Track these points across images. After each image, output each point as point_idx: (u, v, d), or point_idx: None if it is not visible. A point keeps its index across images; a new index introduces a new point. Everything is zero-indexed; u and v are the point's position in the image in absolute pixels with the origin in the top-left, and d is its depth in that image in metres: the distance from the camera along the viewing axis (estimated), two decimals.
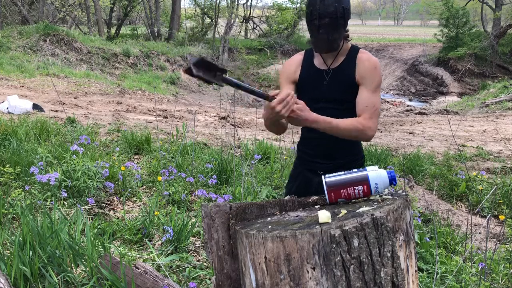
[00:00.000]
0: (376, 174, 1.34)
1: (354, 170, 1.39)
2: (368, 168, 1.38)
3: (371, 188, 1.34)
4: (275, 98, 1.57)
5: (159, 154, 4.81)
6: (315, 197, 1.50)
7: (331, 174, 1.40)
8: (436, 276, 2.60)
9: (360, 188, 1.34)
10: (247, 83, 1.49)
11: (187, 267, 2.75)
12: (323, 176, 1.40)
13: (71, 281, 2.42)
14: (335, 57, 1.94)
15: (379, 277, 1.15)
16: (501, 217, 3.26)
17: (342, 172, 1.40)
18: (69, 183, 3.57)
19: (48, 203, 3.38)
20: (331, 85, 1.93)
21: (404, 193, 1.37)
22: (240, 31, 27.52)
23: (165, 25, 24.76)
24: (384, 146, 6.17)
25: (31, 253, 2.42)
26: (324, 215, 1.19)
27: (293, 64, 2.04)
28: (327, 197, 1.37)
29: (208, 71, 1.37)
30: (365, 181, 1.34)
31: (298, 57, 2.06)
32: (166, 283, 2.25)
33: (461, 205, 4.48)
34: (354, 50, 1.95)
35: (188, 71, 1.32)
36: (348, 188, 1.35)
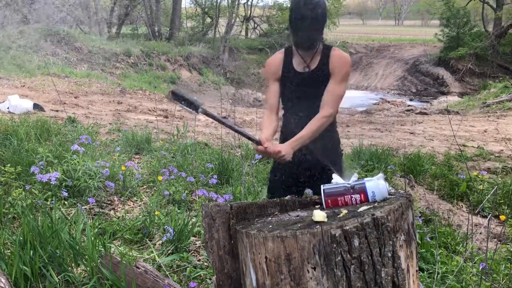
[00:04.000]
0: (373, 183, 1.37)
1: (353, 180, 1.42)
2: (365, 179, 1.41)
3: (368, 196, 1.35)
4: (260, 143, 2.01)
5: (159, 153, 4.81)
6: (315, 197, 1.50)
7: (329, 184, 1.42)
8: (436, 276, 2.60)
9: (357, 196, 1.36)
10: (231, 122, 1.77)
11: (188, 267, 2.75)
12: (322, 186, 1.42)
13: (71, 281, 2.42)
14: (313, 56, 2.18)
15: (380, 277, 1.15)
16: (502, 217, 3.26)
17: (342, 182, 1.43)
18: (70, 183, 3.57)
19: (48, 203, 3.38)
20: (311, 84, 2.17)
21: (406, 193, 1.37)
22: (240, 31, 27.50)
23: (166, 24, 24.76)
24: (385, 146, 6.16)
25: (31, 252, 2.42)
26: (319, 214, 1.21)
27: (274, 64, 2.28)
28: (324, 205, 1.39)
29: (187, 101, 1.73)
30: (362, 190, 1.36)
31: (279, 55, 2.29)
32: (166, 282, 2.25)
33: (461, 205, 4.47)
34: (328, 48, 2.20)
35: (169, 97, 1.69)
36: (346, 196, 1.37)
